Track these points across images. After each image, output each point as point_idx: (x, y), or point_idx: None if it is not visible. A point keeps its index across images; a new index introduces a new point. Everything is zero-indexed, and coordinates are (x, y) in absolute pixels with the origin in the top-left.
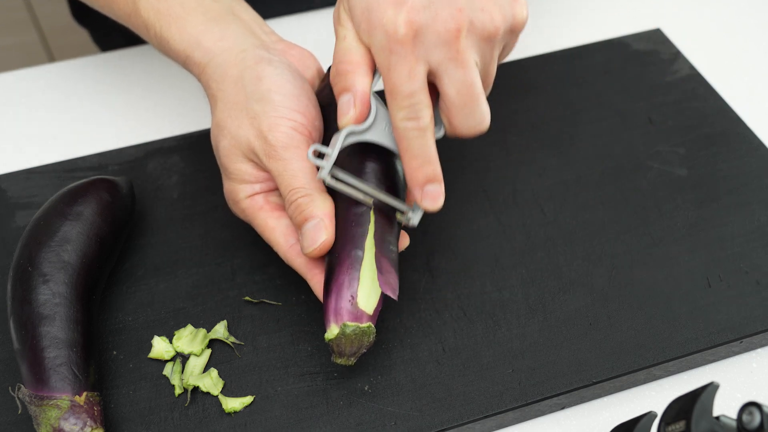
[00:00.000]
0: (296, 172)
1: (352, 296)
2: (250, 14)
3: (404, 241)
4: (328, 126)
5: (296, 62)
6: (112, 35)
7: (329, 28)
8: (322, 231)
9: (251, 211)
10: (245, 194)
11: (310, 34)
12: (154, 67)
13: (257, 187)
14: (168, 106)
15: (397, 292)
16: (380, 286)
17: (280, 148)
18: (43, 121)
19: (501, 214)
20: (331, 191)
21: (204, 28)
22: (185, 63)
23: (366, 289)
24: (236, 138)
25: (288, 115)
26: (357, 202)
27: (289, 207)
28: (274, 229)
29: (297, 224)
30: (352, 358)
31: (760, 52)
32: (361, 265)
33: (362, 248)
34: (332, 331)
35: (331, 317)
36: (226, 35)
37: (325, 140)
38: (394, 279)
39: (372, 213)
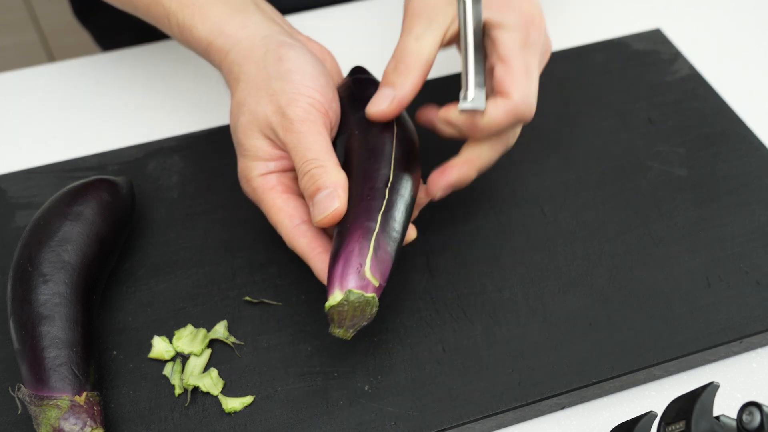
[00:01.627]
0: (311, 144)
1: (360, 264)
2: (271, 7)
3: (411, 233)
4: (345, 120)
5: (316, 53)
6: (114, 35)
7: (324, 29)
8: (335, 199)
9: (261, 191)
10: (258, 172)
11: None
12: (155, 67)
13: (271, 165)
14: (168, 106)
15: (385, 278)
16: (370, 267)
17: (297, 122)
18: (43, 121)
19: (501, 214)
20: (345, 166)
21: (227, 17)
22: (207, 50)
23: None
24: (254, 114)
25: (306, 92)
26: (373, 177)
27: (303, 178)
28: (281, 210)
29: (309, 195)
30: (351, 330)
31: (760, 52)
32: (373, 236)
33: (375, 221)
34: (335, 297)
35: (336, 283)
36: (248, 24)
37: (340, 134)
38: (386, 263)
39: (387, 190)
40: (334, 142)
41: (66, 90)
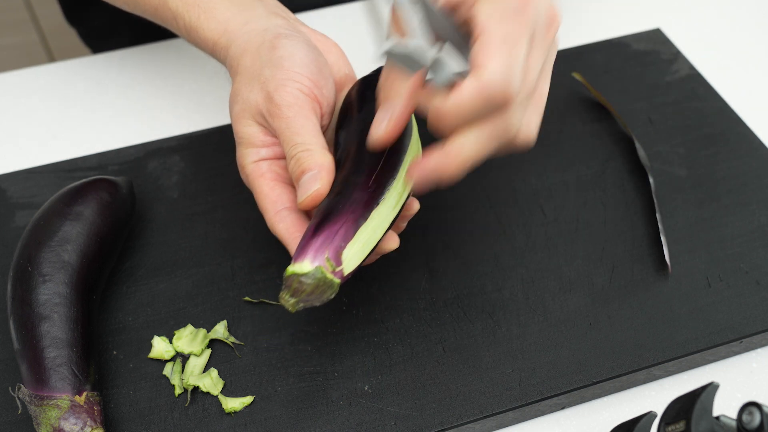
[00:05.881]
0: (298, 129)
1: (341, 246)
2: (277, 3)
3: (392, 244)
4: (351, 117)
5: (320, 46)
6: (103, 37)
7: (323, 29)
8: (317, 181)
9: (253, 177)
10: (251, 159)
11: None
12: (155, 67)
13: (263, 152)
14: (168, 106)
15: (354, 271)
16: (350, 254)
17: (284, 107)
18: (43, 121)
19: (501, 214)
20: (346, 156)
21: (231, 15)
22: (213, 50)
23: (356, 249)
24: (247, 101)
25: (295, 78)
26: (381, 173)
27: (290, 162)
28: (267, 196)
29: (296, 178)
30: (301, 304)
31: (760, 52)
32: (360, 228)
33: (367, 217)
34: (303, 266)
35: (310, 253)
36: (251, 20)
37: (343, 127)
38: (360, 259)
39: (388, 190)
40: (337, 134)
41: (66, 90)
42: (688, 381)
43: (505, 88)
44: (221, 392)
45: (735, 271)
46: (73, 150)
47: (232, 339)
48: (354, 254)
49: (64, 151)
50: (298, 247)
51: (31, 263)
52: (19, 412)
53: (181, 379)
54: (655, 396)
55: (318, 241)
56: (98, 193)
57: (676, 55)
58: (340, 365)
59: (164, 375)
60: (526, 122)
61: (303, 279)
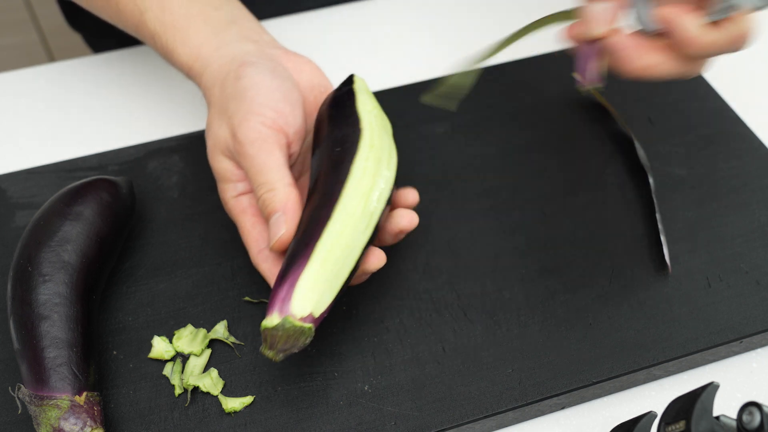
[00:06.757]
0: (261, 167)
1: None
2: (251, 23)
3: (375, 262)
4: (323, 136)
5: (291, 66)
6: (105, 39)
7: (323, 30)
8: (281, 225)
9: (235, 213)
10: (231, 194)
11: (303, 36)
12: (155, 67)
13: (240, 187)
14: (168, 106)
15: (327, 310)
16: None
17: (247, 144)
18: (43, 121)
19: (501, 214)
20: (313, 185)
21: (204, 39)
22: (189, 74)
23: (319, 290)
24: (216, 137)
25: (257, 110)
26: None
27: (258, 203)
28: (249, 233)
29: (266, 219)
30: (281, 354)
31: (760, 52)
32: (313, 267)
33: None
34: (272, 320)
35: (277, 306)
36: (222, 45)
37: (316, 148)
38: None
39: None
40: (313, 155)
41: (66, 90)
42: (688, 381)
43: (744, 42)
44: (221, 392)
45: (735, 271)
46: (73, 150)
47: (232, 339)
48: (321, 295)
49: (64, 151)
50: (270, 298)
51: (31, 263)
52: (19, 412)
53: (181, 379)
54: (655, 396)
55: (282, 291)
56: (98, 193)
57: None
58: (340, 365)
59: (164, 375)
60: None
61: (273, 332)
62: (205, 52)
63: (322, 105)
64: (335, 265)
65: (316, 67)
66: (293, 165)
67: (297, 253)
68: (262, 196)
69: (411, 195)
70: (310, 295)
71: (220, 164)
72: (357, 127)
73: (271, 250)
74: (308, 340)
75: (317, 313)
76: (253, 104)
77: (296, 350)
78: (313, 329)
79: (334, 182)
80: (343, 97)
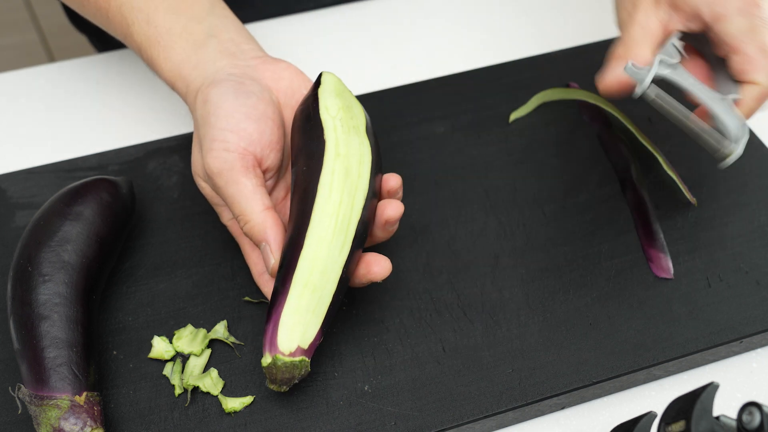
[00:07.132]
0: (233, 199)
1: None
2: (231, 33)
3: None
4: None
5: (268, 75)
6: (109, 41)
7: (323, 30)
8: (269, 256)
9: (235, 235)
10: (227, 217)
11: (303, 36)
12: None
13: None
14: (168, 106)
15: (317, 341)
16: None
17: (215, 177)
18: (43, 121)
19: (501, 214)
20: (292, 202)
21: (185, 56)
22: (173, 90)
23: (303, 322)
24: (196, 163)
25: (219, 137)
26: (300, 225)
27: (244, 231)
28: (249, 256)
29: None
30: (285, 386)
31: None
32: (291, 297)
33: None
34: (266, 359)
35: (267, 345)
36: (200, 62)
37: (294, 162)
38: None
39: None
40: (293, 168)
41: (66, 90)
42: (688, 381)
43: None
44: (221, 392)
45: (735, 271)
46: (73, 150)
47: (232, 339)
48: (306, 327)
49: (64, 151)
50: (263, 338)
51: (31, 263)
52: (19, 412)
53: (181, 379)
54: (655, 396)
55: (269, 331)
56: (98, 193)
57: None
58: (340, 365)
59: (164, 375)
60: None
61: (270, 369)
62: (185, 72)
63: (294, 114)
64: (315, 292)
65: (296, 71)
66: (280, 175)
67: (277, 289)
68: (243, 227)
69: (392, 180)
70: (295, 329)
71: (204, 189)
72: (321, 139)
73: (271, 275)
74: (305, 371)
75: (306, 345)
76: (215, 130)
77: (297, 380)
78: (306, 360)
79: (303, 207)
80: (308, 103)
